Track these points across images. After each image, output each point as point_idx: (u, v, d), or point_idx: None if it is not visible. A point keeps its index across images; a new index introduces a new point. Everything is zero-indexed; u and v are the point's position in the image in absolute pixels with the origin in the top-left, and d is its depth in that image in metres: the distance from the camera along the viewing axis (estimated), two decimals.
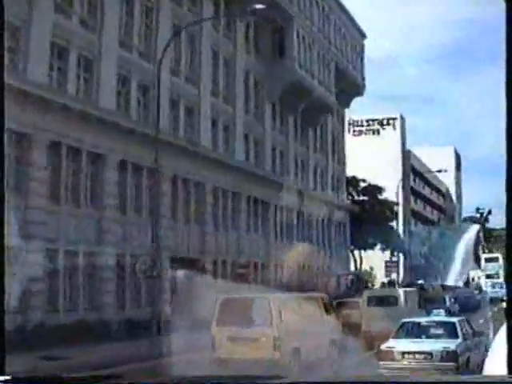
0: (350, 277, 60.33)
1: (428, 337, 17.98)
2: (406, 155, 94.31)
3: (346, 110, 68.37)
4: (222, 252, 40.19)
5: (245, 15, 43.22)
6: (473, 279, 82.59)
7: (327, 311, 21.43)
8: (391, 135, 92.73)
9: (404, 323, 19.08)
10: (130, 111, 33.81)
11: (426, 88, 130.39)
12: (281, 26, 48.85)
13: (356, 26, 63.88)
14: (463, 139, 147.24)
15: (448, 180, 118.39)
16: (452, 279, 79.23)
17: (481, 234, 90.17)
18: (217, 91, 42.41)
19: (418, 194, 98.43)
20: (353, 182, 75.61)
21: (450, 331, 17.85)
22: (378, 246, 76.17)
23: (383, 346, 17.35)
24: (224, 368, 16.86)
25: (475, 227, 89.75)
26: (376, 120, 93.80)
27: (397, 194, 68.46)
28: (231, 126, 43.86)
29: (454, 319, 19.70)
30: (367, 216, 71.45)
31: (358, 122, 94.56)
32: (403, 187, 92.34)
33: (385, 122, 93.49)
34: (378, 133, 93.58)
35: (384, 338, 18.12)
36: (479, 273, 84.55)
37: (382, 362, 16.61)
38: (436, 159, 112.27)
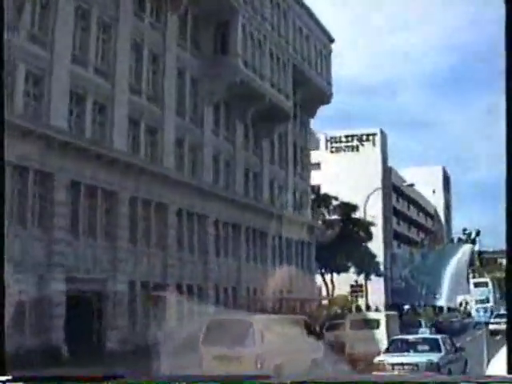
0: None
1: (415, 351, 20.73)
2: (387, 173, 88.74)
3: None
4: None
5: (176, 6, 38.16)
6: (460, 304, 77.87)
7: (309, 332, 22.58)
8: (371, 152, 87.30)
9: (394, 340, 22.48)
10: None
11: (418, 111, 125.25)
12: (225, 21, 43.58)
13: (322, 29, 58.59)
14: (454, 161, 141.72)
15: (437, 201, 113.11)
16: (442, 302, 75.19)
17: (473, 256, 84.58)
18: (138, 89, 37.12)
19: (401, 215, 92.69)
20: (325, 199, 70.16)
21: (434, 346, 20.62)
22: (353, 269, 70.52)
23: (376, 360, 20.10)
24: None
25: (467, 247, 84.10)
26: (355, 136, 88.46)
27: (364, 211, 62.60)
28: (159, 130, 38.43)
29: (438, 336, 23.14)
30: (339, 236, 65.90)
31: (336, 138, 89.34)
32: (384, 206, 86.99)
33: (364, 137, 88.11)
34: (358, 149, 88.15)
35: (366, 360, 20.65)
36: (468, 297, 79.65)
37: (374, 373, 17.95)
38: (423, 179, 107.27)
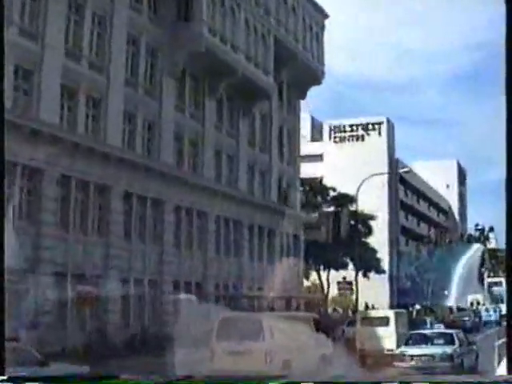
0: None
1: (431, 344, 23.26)
2: (394, 164, 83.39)
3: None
4: None
5: None
6: (472, 303, 71.60)
7: (318, 329, 22.75)
8: (377, 142, 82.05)
9: (412, 334, 25.45)
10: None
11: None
12: None
13: (313, 2, 53.57)
14: (468, 156, 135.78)
15: (451, 196, 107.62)
16: (451, 301, 70.40)
17: (485, 256, 79.55)
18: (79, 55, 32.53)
19: (409, 209, 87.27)
20: (321, 190, 65.15)
21: (449, 340, 23.21)
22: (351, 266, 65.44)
23: (397, 351, 23.62)
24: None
25: (479, 248, 78.83)
26: (360, 125, 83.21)
27: (354, 200, 57.53)
28: (104, 100, 33.75)
29: (452, 331, 25.42)
30: (334, 230, 60.79)
31: (339, 127, 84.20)
32: (389, 199, 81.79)
33: (370, 126, 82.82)
34: (363, 139, 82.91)
35: (376, 356, 24.31)
36: (479, 297, 75.09)
37: (395, 363, 21.94)
38: (437, 174, 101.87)
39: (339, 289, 59.66)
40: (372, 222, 68.50)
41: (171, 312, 34.52)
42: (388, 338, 27.42)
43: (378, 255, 66.67)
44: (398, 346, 25.21)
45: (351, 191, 78.27)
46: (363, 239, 65.06)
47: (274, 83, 47.04)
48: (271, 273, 46.77)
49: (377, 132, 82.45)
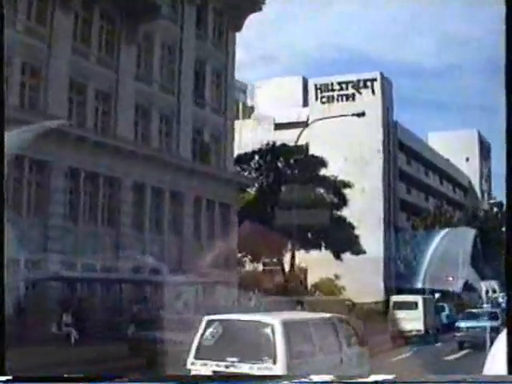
0: None
1: (481, 319, 28.75)
2: (391, 127, 70.83)
3: None
4: None
5: None
6: (487, 291, 62.17)
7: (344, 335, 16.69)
8: (370, 101, 69.52)
9: (465, 311, 33.09)
10: None
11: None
12: None
13: None
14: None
15: (472, 171, 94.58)
16: (456, 287, 62.60)
17: (478, 240, 67.96)
18: None
19: (413, 181, 74.54)
20: (281, 150, 52.89)
21: (494, 316, 28.50)
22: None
23: (457, 324, 29.53)
24: None
25: (471, 232, 66.37)
26: (350, 82, 70.75)
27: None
28: None
29: (496, 309, 31.55)
30: (301, 201, 48.64)
31: (327, 85, 71.84)
32: (385, 169, 69.28)
33: (361, 84, 70.31)
34: (353, 98, 70.44)
35: (406, 336, 29.34)
36: (495, 285, 63.76)
37: (455, 334, 29.08)
38: (455, 145, 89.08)
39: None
40: (354, 193, 56.55)
41: None
42: (417, 320, 31.16)
43: (357, 232, 54.29)
44: (426, 327, 31.18)
45: (342, 158, 66.82)
46: (335, 212, 52.89)
47: None
48: (200, 252, 35.54)
49: (369, 90, 69.87)
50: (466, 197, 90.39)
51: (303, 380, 5.26)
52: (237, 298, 37.09)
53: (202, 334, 13.88)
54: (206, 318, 14.39)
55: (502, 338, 4.23)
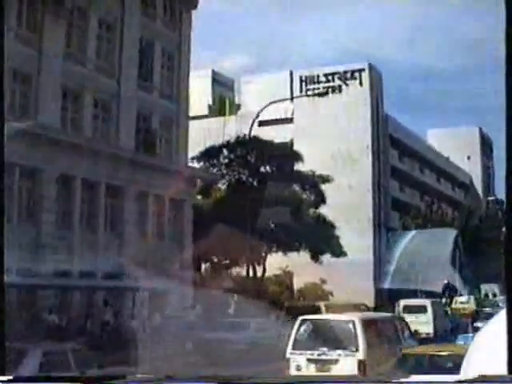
0: None
1: None
2: (381, 121, 66.58)
3: None
4: None
5: None
6: (486, 295, 59.92)
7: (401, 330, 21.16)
8: (357, 93, 65.41)
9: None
10: None
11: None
12: None
13: None
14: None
15: (474, 169, 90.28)
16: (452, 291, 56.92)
17: (459, 240, 64.22)
18: None
19: (407, 179, 70.24)
20: (254, 142, 48.62)
21: None
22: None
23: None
24: None
25: (452, 232, 61.70)
26: (336, 74, 66.61)
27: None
28: None
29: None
30: (275, 198, 44.48)
31: (312, 77, 67.74)
32: (374, 164, 65.05)
33: (348, 75, 66.13)
34: (340, 90, 66.29)
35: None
36: (495, 288, 60.29)
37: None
38: (456, 143, 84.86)
39: None
40: (341, 191, 52.74)
41: None
42: (426, 323, 31.82)
43: (337, 232, 50.04)
44: (436, 330, 31.72)
45: (329, 152, 63.15)
46: (312, 210, 48.74)
47: None
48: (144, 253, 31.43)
49: (357, 81, 65.68)
50: (466, 196, 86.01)
51: (305, 380, 5.51)
52: (192, 303, 33.04)
53: (297, 330, 17.42)
54: (300, 318, 18.04)
55: (478, 339, 3.99)
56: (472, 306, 49.10)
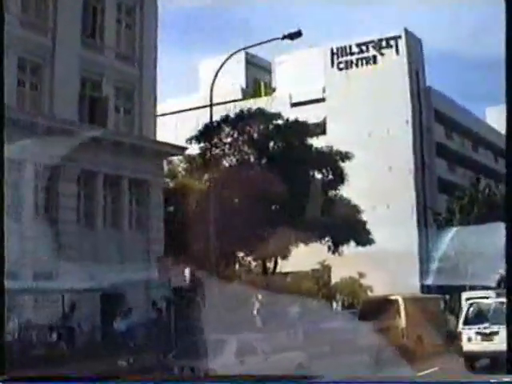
0: None
1: None
2: (422, 93, 58.91)
3: None
4: None
5: None
6: None
7: (445, 309, 28.34)
8: (394, 63, 57.98)
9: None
10: None
11: None
12: None
13: None
14: None
15: None
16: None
17: None
18: None
19: (456, 157, 62.27)
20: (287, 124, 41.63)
21: None
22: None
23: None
24: None
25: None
26: (370, 43, 59.33)
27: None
28: None
29: None
30: (282, 177, 37.60)
31: (344, 49, 60.57)
32: (415, 141, 57.52)
33: (383, 43, 58.77)
34: (375, 61, 59.00)
35: None
36: None
37: None
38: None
39: None
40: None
41: None
42: None
43: (364, 217, 42.95)
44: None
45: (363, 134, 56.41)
46: (331, 191, 41.84)
47: None
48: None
49: (393, 50, 58.24)
50: None
51: (318, 380, 6.10)
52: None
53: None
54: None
55: None
56: None
